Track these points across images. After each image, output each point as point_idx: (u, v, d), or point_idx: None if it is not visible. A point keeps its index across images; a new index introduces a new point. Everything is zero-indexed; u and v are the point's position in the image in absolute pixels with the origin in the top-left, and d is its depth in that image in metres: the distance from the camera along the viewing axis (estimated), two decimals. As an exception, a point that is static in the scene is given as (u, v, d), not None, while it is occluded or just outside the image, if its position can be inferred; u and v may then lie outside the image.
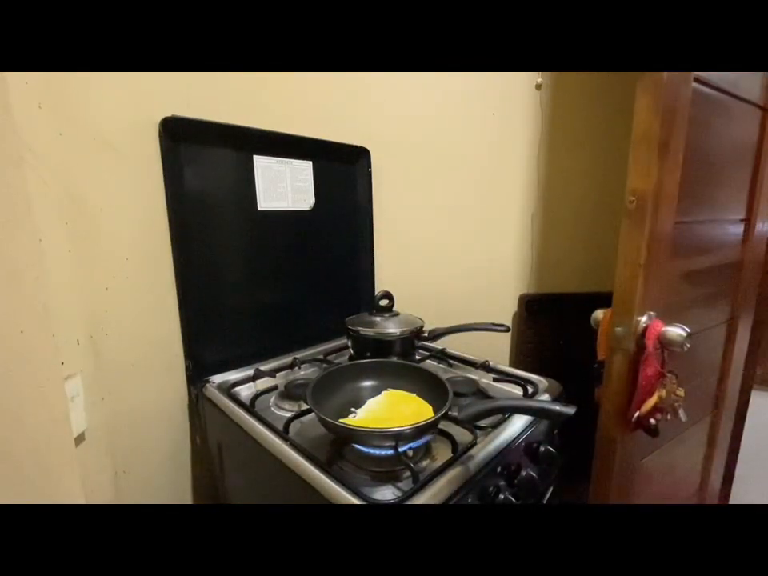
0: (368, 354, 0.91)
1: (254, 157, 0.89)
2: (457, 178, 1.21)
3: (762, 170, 0.88)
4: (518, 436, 0.67)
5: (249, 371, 0.87)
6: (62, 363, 0.55)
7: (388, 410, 0.66)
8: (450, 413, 0.58)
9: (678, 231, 0.73)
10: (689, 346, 0.67)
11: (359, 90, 1.05)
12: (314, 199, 1.01)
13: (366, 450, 0.60)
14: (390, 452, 0.58)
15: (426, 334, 0.94)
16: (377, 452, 0.60)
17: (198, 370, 0.86)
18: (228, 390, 0.80)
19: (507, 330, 0.91)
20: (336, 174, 1.06)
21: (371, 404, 0.68)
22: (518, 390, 0.82)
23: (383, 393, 0.71)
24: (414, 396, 0.69)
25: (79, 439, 0.64)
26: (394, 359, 0.88)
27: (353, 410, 0.66)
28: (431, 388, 0.68)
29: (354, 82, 1.04)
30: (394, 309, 0.97)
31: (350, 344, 0.95)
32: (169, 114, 0.76)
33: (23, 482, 0.45)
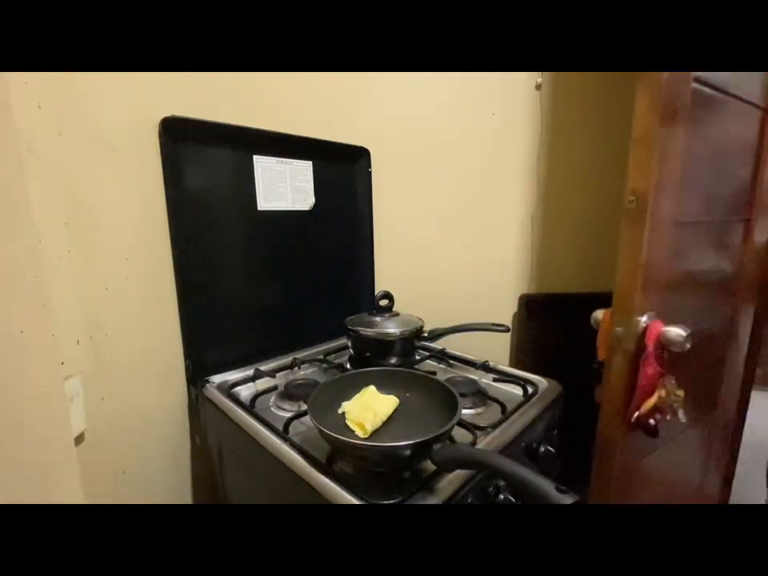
0: (368, 355, 0.91)
1: (254, 157, 0.89)
2: (457, 178, 1.21)
3: (762, 170, 0.88)
4: (517, 436, 0.67)
5: (249, 371, 0.87)
6: (62, 363, 0.55)
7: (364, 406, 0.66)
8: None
9: (678, 231, 0.73)
10: (689, 346, 0.67)
11: (359, 90, 1.05)
12: (313, 199, 1.01)
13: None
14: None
15: (425, 334, 0.94)
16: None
17: (197, 370, 0.86)
18: (228, 390, 0.80)
19: (507, 330, 0.90)
20: (336, 174, 1.06)
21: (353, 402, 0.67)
22: (517, 390, 0.82)
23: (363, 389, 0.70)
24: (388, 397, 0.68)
25: (79, 439, 0.64)
26: (402, 368, 0.83)
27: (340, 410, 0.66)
28: (441, 400, 0.65)
29: (354, 82, 1.04)
30: (394, 309, 0.97)
31: (349, 344, 0.95)
32: (169, 114, 0.76)
33: (23, 481, 0.45)
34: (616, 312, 0.72)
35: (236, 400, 0.76)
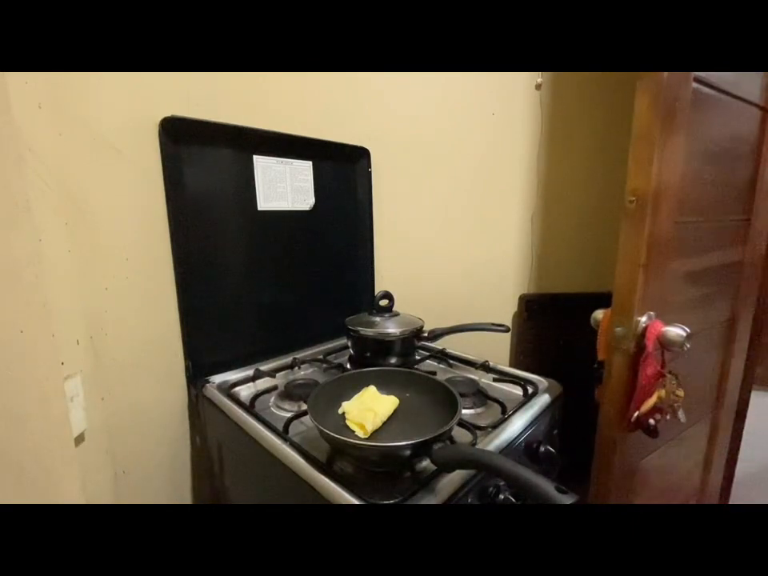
0: (368, 355, 0.91)
1: (254, 157, 0.89)
2: (457, 178, 1.21)
3: (762, 170, 0.88)
4: (517, 436, 0.67)
5: (249, 371, 0.87)
6: (62, 363, 0.55)
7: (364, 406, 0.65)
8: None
9: (678, 231, 0.73)
10: (689, 346, 0.67)
11: (359, 90, 1.05)
12: (313, 199, 1.01)
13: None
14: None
15: (425, 334, 0.94)
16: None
17: (197, 370, 0.86)
18: (228, 390, 0.80)
19: (507, 330, 0.90)
20: (336, 174, 1.06)
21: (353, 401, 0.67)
22: (517, 390, 0.82)
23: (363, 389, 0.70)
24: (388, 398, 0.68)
25: (79, 439, 0.64)
26: (402, 368, 0.82)
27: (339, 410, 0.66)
28: (441, 400, 0.65)
29: (354, 82, 1.04)
30: (394, 309, 0.97)
31: (349, 344, 0.95)
32: (169, 114, 0.76)
33: (23, 481, 0.45)
34: (616, 312, 0.72)
35: (236, 400, 0.76)
